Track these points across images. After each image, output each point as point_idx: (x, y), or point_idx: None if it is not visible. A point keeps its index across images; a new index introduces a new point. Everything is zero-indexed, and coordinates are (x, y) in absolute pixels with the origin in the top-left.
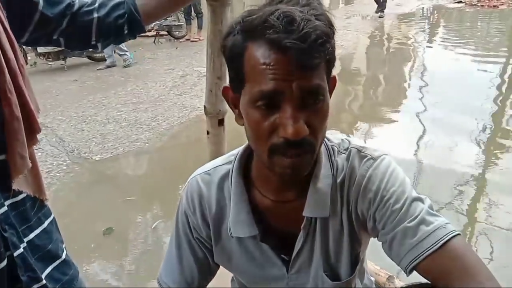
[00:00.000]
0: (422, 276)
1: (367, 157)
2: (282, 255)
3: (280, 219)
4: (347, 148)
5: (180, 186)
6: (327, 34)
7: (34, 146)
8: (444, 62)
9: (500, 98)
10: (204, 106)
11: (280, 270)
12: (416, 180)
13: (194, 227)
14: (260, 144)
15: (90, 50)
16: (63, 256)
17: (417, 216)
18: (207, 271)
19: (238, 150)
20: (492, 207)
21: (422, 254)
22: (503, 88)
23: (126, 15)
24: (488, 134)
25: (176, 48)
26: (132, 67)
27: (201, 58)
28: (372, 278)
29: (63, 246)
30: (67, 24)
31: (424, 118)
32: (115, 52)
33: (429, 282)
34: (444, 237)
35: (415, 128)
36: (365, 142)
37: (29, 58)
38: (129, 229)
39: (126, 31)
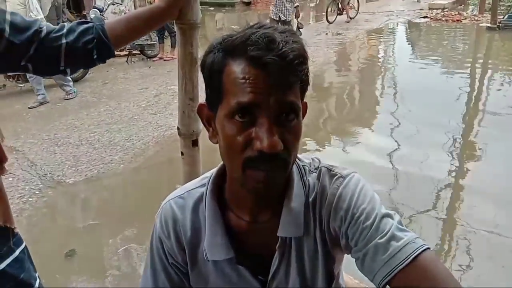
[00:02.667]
0: None
1: (337, 176)
2: (259, 276)
3: (256, 240)
4: (318, 167)
5: (155, 208)
6: (304, 56)
7: (2, 176)
8: (413, 75)
9: (469, 108)
10: (178, 128)
11: None
12: (392, 190)
13: (169, 252)
14: (234, 158)
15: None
16: (36, 285)
17: (387, 232)
18: None
19: (211, 172)
20: (467, 211)
21: (394, 270)
22: (472, 99)
23: (95, 40)
24: (459, 142)
25: (149, 67)
26: (105, 87)
27: (175, 76)
28: None
29: (36, 274)
30: (34, 50)
31: (396, 131)
32: (58, 81)
33: None
34: (414, 252)
35: (388, 141)
36: (340, 157)
37: None
38: (95, 252)
39: (95, 56)
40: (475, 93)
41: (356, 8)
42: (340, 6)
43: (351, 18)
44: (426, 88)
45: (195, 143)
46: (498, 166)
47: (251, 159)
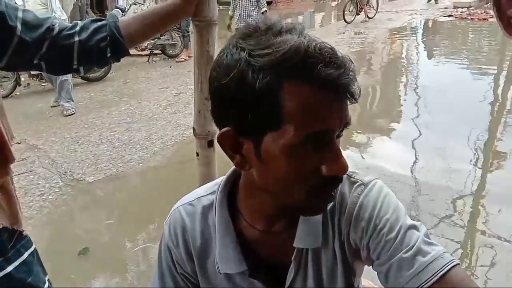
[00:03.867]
0: None
1: (358, 183)
2: None
3: (270, 251)
4: None
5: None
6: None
7: (11, 175)
8: (437, 75)
9: (494, 112)
10: (193, 128)
11: None
12: (412, 198)
13: (178, 262)
14: (295, 186)
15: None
16: None
17: (413, 246)
18: None
19: (221, 179)
20: (491, 219)
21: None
22: (497, 103)
23: (108, 38)
24: (484, 143)
25: (170, 66)
26: (126, 86)
27: None
28: None
29: (46, 278)
30: (47, 48)
31: (421, 129)
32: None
33: None
34: (442, 268)
35: (410, 142)
36: (362, 158)
37: (22, 79)
38: (110, 251)
39: (109, 54)
40: (500, 97)
41: (375, 8)
42: (358, 5)
43: (369, 18)
44: (449, 90)
45: (210, 143)
46: None
47: (319, 184)
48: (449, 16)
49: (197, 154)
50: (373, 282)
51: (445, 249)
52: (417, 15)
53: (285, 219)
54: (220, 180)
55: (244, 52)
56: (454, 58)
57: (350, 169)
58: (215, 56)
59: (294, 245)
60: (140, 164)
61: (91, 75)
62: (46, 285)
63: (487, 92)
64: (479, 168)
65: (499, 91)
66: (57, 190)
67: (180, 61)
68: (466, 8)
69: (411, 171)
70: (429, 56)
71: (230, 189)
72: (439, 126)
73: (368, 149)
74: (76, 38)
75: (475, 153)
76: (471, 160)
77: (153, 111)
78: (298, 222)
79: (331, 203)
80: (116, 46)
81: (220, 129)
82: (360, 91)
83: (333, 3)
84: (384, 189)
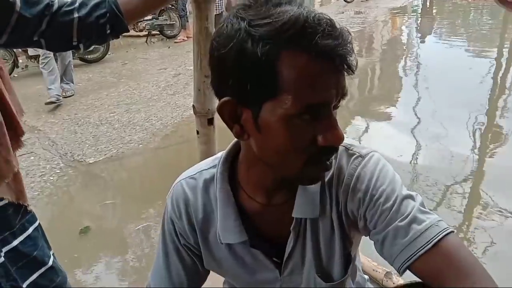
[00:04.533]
0: (416, 276)
1: (355, 155)
2: (274, 258)
3: (270, 222)
4: None
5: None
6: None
7: (18, 150)
8: (437, 55)
9: (494, 93)
10: (193, 105)
11: (273, 273)
12: (412, 179)
13: (181, 234)
14: (294, 156)
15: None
16: (50, 263)
17: (408, 215)
18: (197, 278)
19: (222, 153)
20: (489, 202)
21: (415, 255)
22: (497, 82)
23: (108, 14)
24: (482, 127)
25: (169, 47)
26: (125, 67)
27: None
28: (366, 276)
29: (51, 252)
30: (46, 25)
31: (419, 113)
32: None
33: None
34: (437, 235)
35: (410, 125)
36: (360, 139)
37: (20, 61)
38: (111, 230)
39: (108, 31)
40: (499, 79)
41: None
42: None
43: None
44: (448, 72)
45: (210, 121)
46: None
47: (316, 154)
48: None
49: (197, 132)
50: (371, 258)
51: (440, 217)
52: None
53: (284, 192)
54: (221, 154)
55: (244, 22)
56: (454, 39)
57: (346, 142)
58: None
59: (292, 215)
60: (140, 145)
61: (89, 56)
62: (51, 259)
63: (487, 74)
64: (478, 152)
65: (500, 74)
66: (58, 171)
67: (179, 42)
68: None
69: (410, 156)
70: (425, 37)
71: (231, 163)
72: (439, 110)
73: (365, 134)
74: (76, 15)
75: (473, 137)
76: (470, 144)
77: (152, 92)
78: (297, 193)
79: (330, 174)
80: (115, 22)
81: (219, 100)
82: (357, 63)
83: None
84: (381, 161)
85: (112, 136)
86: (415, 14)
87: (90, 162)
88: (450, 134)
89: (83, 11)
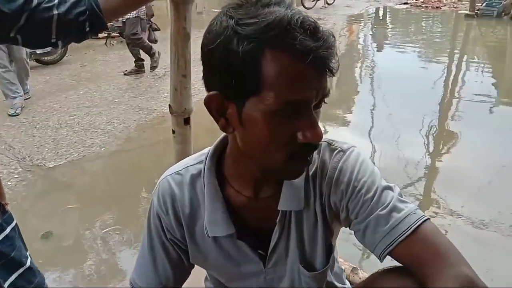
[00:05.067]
0: (397, 261)
1: (337, 150)
2: (259, 251)
3: (256, 215)
4: None
5: (136, 192)
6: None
7: None
8: (392, 61)
9: (446, 94)
10: (169, 105)
11: (257, 266)
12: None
13: (168, 229)
14: (273, 151)
15: (39, 52)
16: (28, 264)
17: (388, 204)
18: (182, 272)
19: (208, 149)
20: (443, 194)
21: (396, 241)
22: (448, 88)
23: (87, 12)
24: (435, 130)
25: None
26: (84, 69)
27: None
28: (343, 267)
29: (27, 253)
30: (25, 20)
31: (374, 117)
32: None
33: (401, 265)
34: (415, 222)
35: (366, 128)
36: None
37: None
38: (73, 235)
39: (88, 29)
40: (450, 84)
41: None
42: None
43: (328, 4)
44: (403, 74)
45: (187, 121)
46: (473, 150)
47: (296, 150)
48: (404, 3)
49: (173, 132)
50: (338, 254)
51: (416, 206)
52: (374, 1)
53: (270, 185)
54: (207, 150)
55: (232, 20)
56: (408, 46)
57: (328, 138)
58: (191, 34)
59: (278, 208)
60: (103, 149)
61: (46, 58)
62: (29, 260)
63: (438, 79)
64: (431, 155)
65: (451, 79)
66: (16, 176)
67: None
68: None
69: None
70: (380, 44)
71: (218, 158)
72: (393, 114)
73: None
74: (55, 11)
75: (426, 140)
76: (423, 147)
77: (113, 95)
78: (282, 187)
79: (313, 168)
80: (95, 20)
81: (208, 93)
82: (339, 66)
83: None
84: (361, 155)
85: (73, 140)
86: (370, 21)
87: (50, 166)
88: (405, 137)
89: (63, 8)
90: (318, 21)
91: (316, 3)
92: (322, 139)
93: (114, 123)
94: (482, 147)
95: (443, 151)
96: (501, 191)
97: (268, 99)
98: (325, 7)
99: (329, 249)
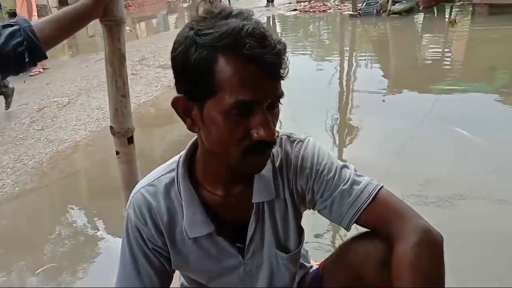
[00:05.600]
0: (363, 226)
1: (296, 141)
2: (237, 244)
3: (231, 212)
4: (278, 136)
5: (59, 229)
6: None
7: None
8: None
9: (343, 92)
10: (111, 127)
11: (236, 258)
12: None
13: (149, 239)
14: (231, 147)
15: None
16: None
17: (348, 179)
18: (166, 278)
19: (179, 156)
20: None
21: (360, 209)
22: (343, 84)
23: (25, 43)
24: (337, 124)
25: (24, 81)
26: None
27: (56, 89)
28: (307, 249)
29: None
30: None
31: (280, 119)
32: None
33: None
34: (373, 190)
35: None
36: None
37: None
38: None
39: (27, 59)
40: (345, 80)
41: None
42: (212, 5)
43: None
44: (300, 76)
45: (130, 140)
46: (371, 138)
47: (250, 147)
48: (294, 10)
49: (117, 153)
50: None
51: (371, 177)
52: (266, 10)
53: (240, 182)
54: (177, 157)
55: (192, 31)
56: (300, 50)
57: (286, 132)
58: (126, 54)
59: (253, 201)
60: (16, 188)
61: None
62: None
63: (333, 76)
64: (337, 146)
65: (344, 76)
66: None
67: (34, 75)
68: (307, 2)
69: None
70: None
71: (189, 164)
72: (298, 114)
73: None
74: None
75: (331, 133)
76: (330, 140)
77: (17, 130)
78: (254, 181)
79: (279, 160)
80: (33, 50)
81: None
82: (288, 70)
83: (185, 5)
84: (317, 142)
85: None
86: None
87: None
88: (312, 133)
89: None
90: None
91: None
92: (281, 134)
93: (23, 160)
94: (379, 135)
95: (347, 143)
96: (400, 174)
97: (223, 100)
98: None
99: (299, 231)
